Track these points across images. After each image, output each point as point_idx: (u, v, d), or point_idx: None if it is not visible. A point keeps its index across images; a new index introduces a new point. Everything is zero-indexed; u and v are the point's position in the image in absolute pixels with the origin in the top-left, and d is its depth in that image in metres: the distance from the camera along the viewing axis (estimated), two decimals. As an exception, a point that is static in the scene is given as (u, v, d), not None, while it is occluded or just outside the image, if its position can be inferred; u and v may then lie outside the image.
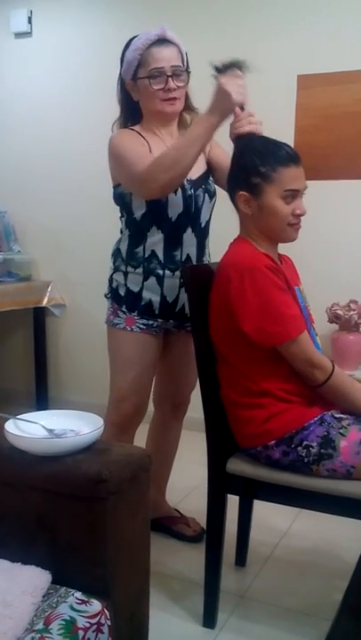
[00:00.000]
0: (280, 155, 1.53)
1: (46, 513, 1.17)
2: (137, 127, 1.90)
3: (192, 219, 1.87)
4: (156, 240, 1.86)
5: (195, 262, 1.90)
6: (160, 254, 1.86)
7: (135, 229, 1.88)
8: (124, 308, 1.91)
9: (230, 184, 1.61)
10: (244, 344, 1.53)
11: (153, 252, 1.86)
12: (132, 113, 1.92)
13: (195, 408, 1.75)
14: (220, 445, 1.65)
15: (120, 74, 1.88)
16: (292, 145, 1.61)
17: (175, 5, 3.06)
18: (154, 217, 1.83)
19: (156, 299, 1.88)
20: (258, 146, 1.57)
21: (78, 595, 1.09)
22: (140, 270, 1.88)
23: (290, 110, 2.88)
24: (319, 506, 1.57)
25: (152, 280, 1.87)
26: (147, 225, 1.85)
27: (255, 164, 1.53)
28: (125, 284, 1.91)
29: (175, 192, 1.80)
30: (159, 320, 1.91)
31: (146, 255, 1.87)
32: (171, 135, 1.90)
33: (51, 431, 1.25)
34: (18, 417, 1.26)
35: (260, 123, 1.64)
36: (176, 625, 1.72)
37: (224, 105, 1.62)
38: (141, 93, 1.84)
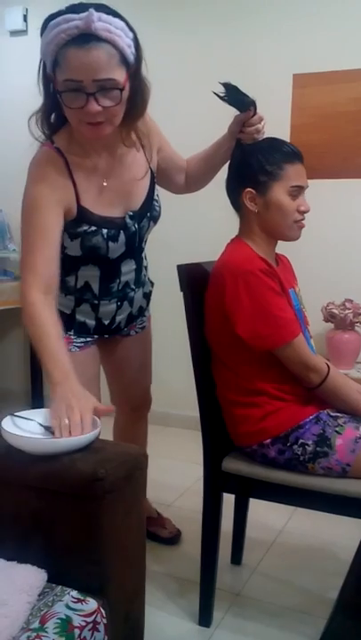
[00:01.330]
0: (285, 152, 1.54)
1: (42, 511, 1.16)
2: (63, 139, 1.49)
3: (134, 250, 1.68)
4: (90, 274, 1.65)
5: (133, 286, 1.73)
6: (95, 287, 1.67)
7: (67, 261, 1.58)
8: None
9: (233, 182, 1.60)
10: (239, 345, 1.53)
11: (87, 283, 1.66)
12: (55, 105, 1.45)
13: (190, 406, 1.75)
14: (216, 444, 1.65)
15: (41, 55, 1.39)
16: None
17: (171, 5, 3.06)
18: (91, 258, 1.61)
19: (90, 322, 1.72)
20: (262, 144, 1.58)
21: (74, 593, 1.09)
22: (70, 297, 1.68)
23: (285, 109, 2.89)
24: (315, 504, 1.57)
25: (85, 307, 1.69)
26: (82, 261, 1.62)
27: (261, 162, 1.54)
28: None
29: (116, 239, 1.57)
30: (95, 336, 1.76)
31: (78, 286, 1.66)
32: (109, 152, 1.53)
33: (47, 428, 1.25)
34: (14, 414, 1.26)
35: (264, 125, 1.59)
36: (172, 623, 1.72)
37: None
38: (60, 99, 1.37)
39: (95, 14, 1.25)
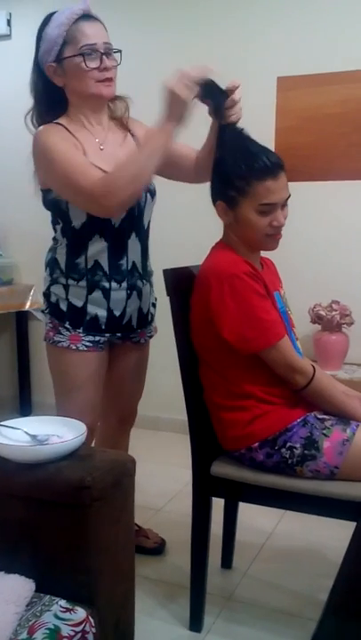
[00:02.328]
0: (256, 168, 1.47)
1: (29, 521, 1.16)
2: (63, 120, 1.68)
3: (135, 223, 1.73)
4: (98, 249, 1.69)
5: (140, 270, 1.78)
6: (105, 265, 1.71)
7: (74, 239, 1.70)
8: (67, 325, 1.73)
9: (211, 190, 1.59)
10: (226, 349, 1.53)
11: (96, 262, 1.70)
12: (50, 103, 1.69)
13: (179, 411, 1.75)
14: (205, 448, 1.65)
15: (36, 58, 1.68)
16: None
17: (155, 7, 3.06)
18: (95, 225, 1.66)
19: (102, 313, 1.73)
20: (236, 153, 1.51)
21: (62, 603, 1.09)
22: (83, 283, 1.71)
23: (270, 112, 2.89)
24: (304, 507, 1.57)
25: (97, 294, 1.72)
26: (87, 234, 1.68)
27: (230, 176, 1.50)
28: (67, 298, 1.73)
29: None
30: (106, 335, 1.77)
31: (89, 266, 1.70)
32: (101, 126, 1.73)
33: (34, 437, 1.24)
34: (0, 423, 1.25)
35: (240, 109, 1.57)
36: (163, 630, 1.72)
37: (176, 107, 1.49)
38: (71, 75, 1.63)
39: (88, 1, 1.63)
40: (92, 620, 1.08)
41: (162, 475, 2.60)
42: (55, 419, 1.35)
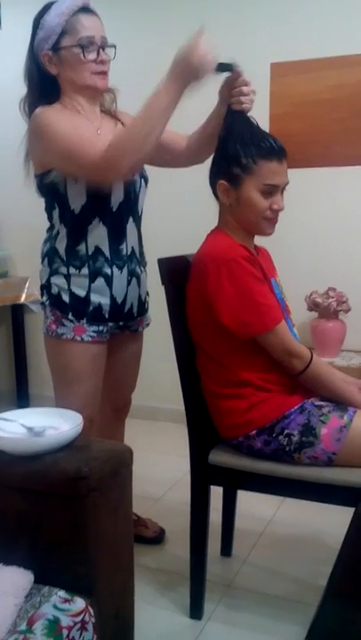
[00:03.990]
0: (264, 147, 1.51)
1: (27, 512, 1.15)
2: (57, 105, 1.69)
3: (131, 207, 1.74)
4: (99, 234, 1.69)
5: (138, 256, 1.80)
6: (105, 250, 1.71)
7: (73, 224, 1.69)
8: (70, 316, 1.71)
9: (212, 171, 1.59)
10: (223, 335, 1.53)
11: (97, 248, 1.70)
12: (44, 90, 1.69)
13: (176, 400, 1.75)
14: (202, 437, 1.65)
15: (31, 44, 1.68)
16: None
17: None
18: (95, 208, 1.67)
19: (105, 302, 1.73)
20: (244, 134, 1.53)
21: (61, 593, 1.08)
22: (85, 271, 1.70)
23: (264, 98, 2.87)
24: (302, 494, 1.58)
25: (100, 281, 1.71)
26: (87, 217, 1.67)
27: (238, 154, 1.51)
28: (69, 289, 1.71)
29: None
30: (109, 324, 1.77)
31: (90, 252, 1.70)
32: (95, 114, 1.74)
33: (30, 429, 1.23)
34: (-4, 416, 1.25)
35: (253, 94, 1.59)
36: (163, 618, 1.72)
37: (189, 71, 1.47)
38: (67, 65, 1.65)
39: None
40: (91, 609, 1.08)
41: (161, 464, 2.61)
42: (51, 410, 1.35)
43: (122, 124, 1.80)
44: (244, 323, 1.49)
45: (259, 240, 1.66)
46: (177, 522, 2.16)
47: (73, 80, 1.67)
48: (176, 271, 1.63)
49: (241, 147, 1.52)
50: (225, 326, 1.49)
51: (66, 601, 1.07)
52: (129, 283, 1.78)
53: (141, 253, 1.84)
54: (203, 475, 1.65)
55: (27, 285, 3.41)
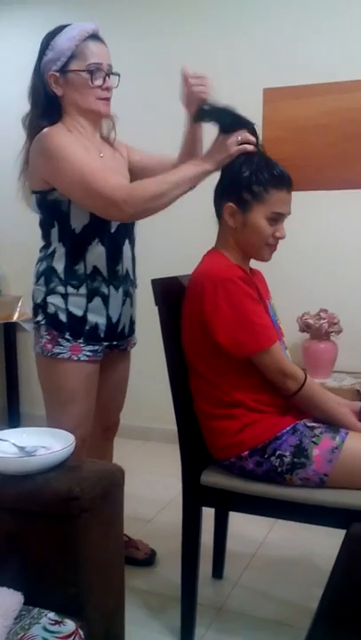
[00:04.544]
0: (275, 175, 1.54)
1: (17, 533, 1.15)
2: (60, 126, 1.72)
3: (128, 230, 1.79)
4: (98, 254, 1.72)
5: (131, 277, 1.83)
6: (103, 270, 1.73)
7: (73, 244, 1.71)
8: (67, 335, 1.72)
9: (218, 192, 1.61)
10: (217, 355, 1.54)
11: (95, 267, 1.72)
12: (47, 109, 1.73)
13: (169, 420, 1.74)
14: (194, 457, 1.65)
15: (38, 63, 1.72)
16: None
17: (141, 15, 3.09)
18: (95, 228, 1.70)
19: (102, 321, 1.75)
20: (256, 162, 1.56)
21: (51, 615, 1.07)
22: (82, 290, 1.72)
23: (256, 123, 2.91)
24: (294, 515, 1.57)
25: (97, 301, 1.73)
26: (87, 237, 1.70)
27: (250, 180, 1.54)
28: (66, 308, 1.72)
29: None
30: (104, 344, 1.79)
31: (88, 272, 1.72)
32: (96, 138, 1.79)
33: (22, 448, 1.23)
34: (-13, 436, 1.25)
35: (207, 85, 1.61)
36: (153, 641, 1.70)
37: (222, 158, 1.58)
38: (73, 88, 1.69)
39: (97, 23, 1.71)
40: (81, 632, 1.07)
41: (152, 485, 2.59)
42: (43, 430, 1.35)
43: (120, 154, 1.85)
44: (240, 342, 1.50)
45: (252, 263, 1.68)
46: (168, 543, 2.15)
47: (78, 103, 1.72)
48: (170, 292, 1.64)
49: (253, 173, 1.54)
50: (220, 345, 1.50)
51: (56, 623, 1.06)
52: (123, 302, 1.80)
53: (134, 274, 1.87)
54: (195, 496, 1.65)
55: (19, 304, 3.42)
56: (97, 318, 1.74)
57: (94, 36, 1.69)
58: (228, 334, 1.50)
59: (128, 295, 1.82)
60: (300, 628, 1.72)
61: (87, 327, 1.74)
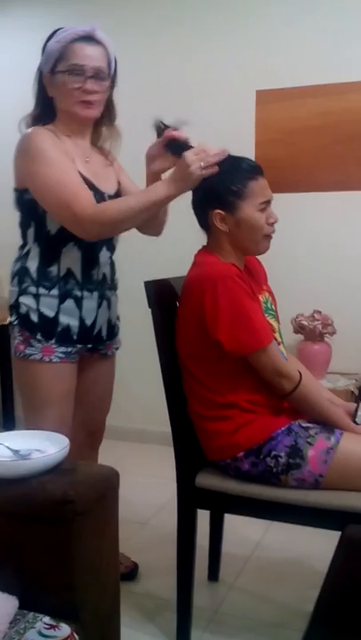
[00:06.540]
0: (246, 169, 1.55)
1: (11, 537, 1.14)
2: (50, 127, 1.72)
3: (107, 237, 1.75)
4: (72, 257, 1.70)
5: (109, 282, 1.81)
6: (77, 273, 1.71)
7: (48, 245, 1.70)
8: (38, 336, 1.70)
9: (198, 204, 1.60)
10: (212, 356, 1.53)
11: (69, 270, 1.70)
12: (45, 110, 1.75)
13: (163, 422, 1.74)
14: (189, 460, 1.64)
15: (39, 65, 1.74)
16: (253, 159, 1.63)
17: (134, 21, 3.09)
18: (70, 234, 1.66)
19: (74, 323, 1.72)
20: (223, 167, 1.54)
21: (46, 619, 1.07)
22: (54, 292, 1.70)
23: (249, 125, 2.92)
24: (289, 517, 1.57)
25: (69, 303, 1.71)
26: (63, 240, 1.68)
27: (226, 183, 1.54)
28: (38, 309, 1.70)
29: None
30: (77, 346, 1.75)
31: (61, 274, 1.70)
32: (85, 141, 1.77)
33: (16, 452, 1.23)
34: (-19, 439, 1.24)
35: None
36: (149, 644, 1.70)
37: (185, 180, 1.54)
38: (57, 89, 1.69)
39: (97, 26, 1.69)
40: (76, 636, 1.07)
41: (147, 488, 2.58)
42: (37, 433, 1.34)
43: (112, 167, 1.83)
44: (240, 340, 1.50)
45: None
46: (163, 546, 2.13)
47: (61, 104, 1.72)
48: (163, 293, 1.64)
49: (226, 176, 1.54)
50: (220, 343, 1.50)
51: (51, 627, 1.05)
52: (99, 305, 1.78)
53: (112, 279, 1.85)
54: (190, 498, 1.64)
55: (13, 307, 3.39)
56: (69, 320, 1.72)
57: (87, 38, 1.67)
58: (229, 332, 1.49)
59: (105, 298, 1.80)
60: (296, 630, 1.72)
61: (59, 329, 1.71)
